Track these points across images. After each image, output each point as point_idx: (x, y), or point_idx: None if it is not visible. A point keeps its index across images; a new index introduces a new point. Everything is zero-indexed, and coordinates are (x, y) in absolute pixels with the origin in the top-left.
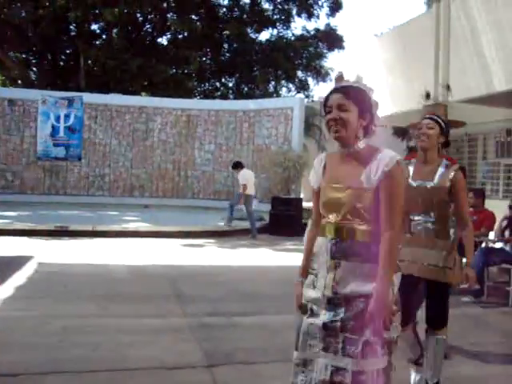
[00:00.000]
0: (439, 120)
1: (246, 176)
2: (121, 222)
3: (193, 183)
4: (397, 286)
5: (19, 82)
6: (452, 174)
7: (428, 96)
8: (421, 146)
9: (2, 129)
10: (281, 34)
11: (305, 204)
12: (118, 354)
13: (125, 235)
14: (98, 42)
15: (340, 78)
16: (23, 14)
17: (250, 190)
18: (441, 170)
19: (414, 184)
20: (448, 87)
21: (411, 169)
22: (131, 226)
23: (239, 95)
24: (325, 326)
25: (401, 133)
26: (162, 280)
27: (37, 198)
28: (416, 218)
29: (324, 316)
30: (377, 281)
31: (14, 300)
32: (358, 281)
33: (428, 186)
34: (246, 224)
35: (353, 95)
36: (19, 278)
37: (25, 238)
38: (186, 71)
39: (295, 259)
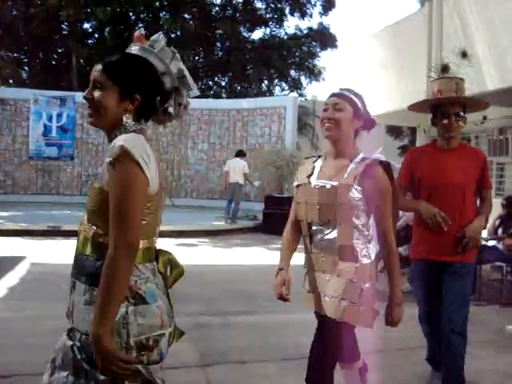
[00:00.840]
0: (353, 97)
1: (231, 164)
2: None
3: (186, 182)
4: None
5: (11, 81)
6: (361, 169)
7: (446, 69)
8: (326, 136)
9: None
10: (274, 33)
11: None
12: None
13: None
14: (90, 41)
15: (139, 37)
16: (15, 13)
17: (233, 178)
18: (352, 165)
19: (313, 184)
20: (464, 54)
21: (317, 165)
22: None
23: (232, 94)
24: None
25: (394, 131)
26: None
27: (29, 197)
28: (314, 228)
29: None
30: None
31: (7, 300)
32: None
33: (327, 187)
34: (239, 223)
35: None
36: (12, 278)
37: (18, 239)
38: None
39: None
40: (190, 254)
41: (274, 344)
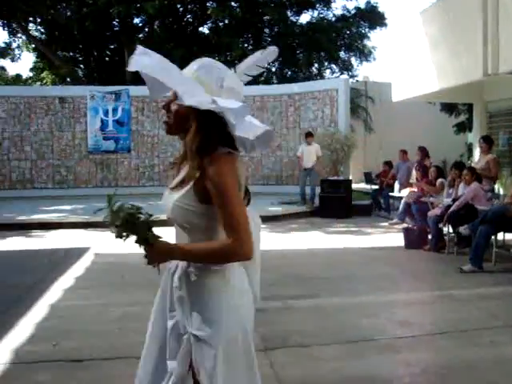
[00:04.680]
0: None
1: (304, 149)
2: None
3: None
4: None
5: (68, 79)
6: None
7: None
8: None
9: (55, 126)
10: (321, 16)
11: (354, 185)
12: None
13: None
14: (140, 36)
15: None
16: (69, 14)
17: (307, 163)
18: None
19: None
20: None
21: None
22: None
23: (283, 79)
24: None
25: (449, 109)
26: None
27: (90, 190)
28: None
29: None
30: None
31: (74, 290)
32: None
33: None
34: (296, 208)
35: None
36: (78, 268)
37: (81, 231)
38: (228, 58)
39: (346, 241)
40: None
41: (335, 327)
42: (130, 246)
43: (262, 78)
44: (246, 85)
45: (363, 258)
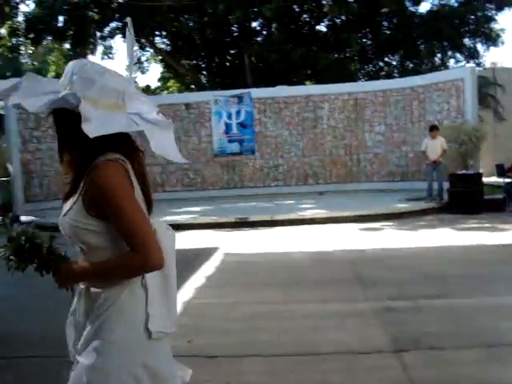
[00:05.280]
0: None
1: (428, 143)
2: (297, 210)
3: (366, 166)
4: None
5: (192, 86)
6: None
7: None
8: None
9: (182, 131)
10: (442, 2)
11: (485, 179)
12: (304, 339)
13: (302, 223)
14: (259, 39)
15: None
16: (191, 24)
17: (432, 157)
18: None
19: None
20: None
21: None
22: (308, 214)
23: (405, 72)
24: None
25: None
26: (342, 265)
27: (217, 192)
28: None
29: None
30: None
31: (205, 288)
32: None
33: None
34: (424, 204)
35: None
36: (208, 267)
37: (210, 231)
38: (347, 55)
39: (479, 238)
40: (375, 238)
41: (471, 329)
42: (258, 246)
43: (384, 73)
44: (366, 81)
45: (498, 256)
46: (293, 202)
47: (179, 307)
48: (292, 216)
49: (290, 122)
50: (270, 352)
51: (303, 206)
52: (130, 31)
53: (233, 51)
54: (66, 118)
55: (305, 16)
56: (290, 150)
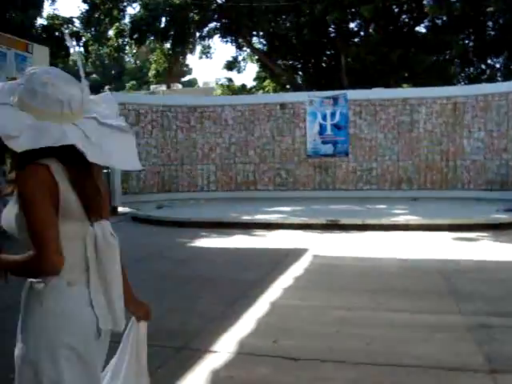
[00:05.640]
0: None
1: None
2: (389, 216)
3: (462, 173)
4: None
5: (288, 86)
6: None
7: None
8: None
9: (276, 131)
10: None
11: None
12: (392, 349)
13: (394, 228)
14: (356, 40)
15: None
16: (288, 25)
17: None
18: None
19: None
20: None
21: None
22: (400, 219)
23: (509, 75)
24: None
25: None
26: (434, 275)
27: (308, 193)
28: None
29: None
30: None
31: (293, 290)
32: None
33: None
34: None
35: None
36: (297, 269)
37: (299, 232)
38: (447, 57)
39: None
40: (470, 248)
41: None
42: (347, 250)
43: (485, 76)
44: (466, 84)
45: None
46: (385, 206)
47: (266, 307)
48: (384, 221)
49: (386, 125)
50: (355, 360)
51: (395, 211)
52: (69, 44)
53: (329, 52)
54: None
55: (404, 16)
56: (385, 153)
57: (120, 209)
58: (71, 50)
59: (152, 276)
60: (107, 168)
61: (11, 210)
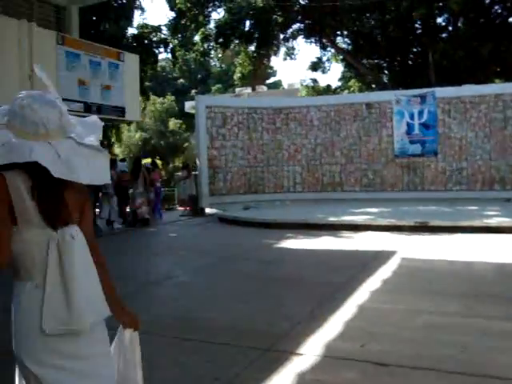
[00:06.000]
0: None
1: None
2: (481, 217)
3: None
4: None
5: (373, 86)
6: None
7: None
8: None
9: (362, 131)
10: None
11: None
12: (487, 359)
13: (486, 231)
14: (444, 35)
15: None
16: (372, 23)
17: None
18: None
19: None
20: None
21: None
22: (492, 221)
23: None
24: None
25: None
26: None
27: (396, 194)
28: None
29: None
30: None
31: (381, 292)
32: None
33: None
34: None
35: None
36: (385, 271)
37: (387, 233)
38: None
39: None
40: None
41: None
42: (437, 253)
43: None
44: None
45: None
46: (476, 208)
47: (354, 310)
48: (475, 223)
49: (477, 123)
50: (447, 368)
51: (487, 212)
52: (39, 75)
53: (416, 49)
54: None
55: (496, 7)
56: (476, 152)
57: (207, 210)
58: (44, 80)
59: (239, 276)
60: (196, 170)
61: None
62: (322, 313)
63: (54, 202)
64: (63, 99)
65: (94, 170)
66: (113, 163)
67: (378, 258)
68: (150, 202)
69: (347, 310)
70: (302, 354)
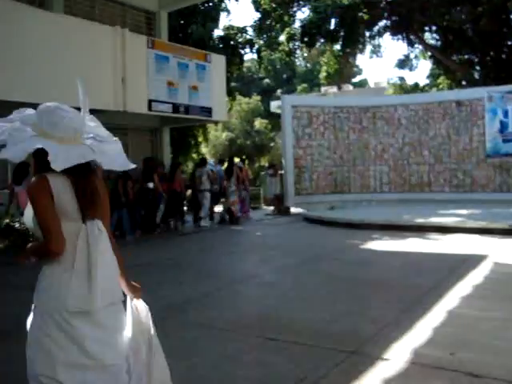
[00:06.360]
0: None
1: None
2: None
3: None
4: None
5: (463, 83)
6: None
7: None
8: None
9: (452, 130)
10: None
11: None
12: None
13: None
14: None
15: None
16: (463, 17)
17: None
18: None
19: None
20: None
21: None
22: None
23: None
24: None
25: None
26: None
27: (487, 195)
28: None
29: None
30: None
31: (471, 299)
32: None
33: None
34: None
35: None
36: (475, 276)
37: (477, 236)
38: None
39: None
40: None
41: None
42: None
43: None
44: None
45: None
46: None
47: (442, 315)
48: None
49: None
50: None
51: None
52: (81, 90)
53: (510, 42)
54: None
55: None
56: None
57: (292, 209)
58: (80, 96)
59: (324, 277)
60: (280, 170)
61: (29, 211)
62: (409, 317)
63: (92, 198)
64: (153, 100)
65: (116, 158)
66: (203, 163)
67: (467, 262)
68: (243, 199)
69: (435, 315)
70: (387, 359)
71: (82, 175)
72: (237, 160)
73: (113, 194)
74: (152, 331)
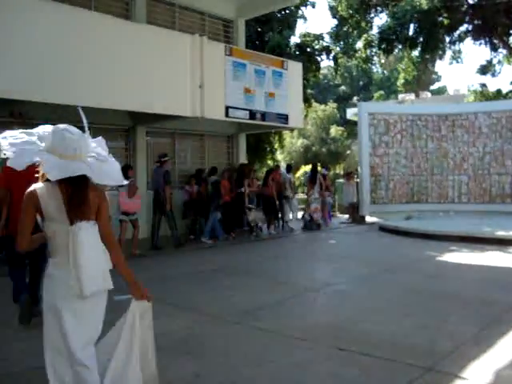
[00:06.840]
0: None
1: None
2: None
3: None
4: None
5: None
6: None
7: None
8: None
9: None
10: None
11: None
12: None
13: None
14: None
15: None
16: None
17: None
18: None
19: None
20: None
21: None
22: None
23: None
24: None
25: None
26: None
27: None
28: None
29: None
30: None
31: None
32: None
33: None
34: None
35: None
36: None
37: None
38: None
39: None
40: None
41: None
42: None
43: None
44: None
45: None
46: None
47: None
48: None
49: None
50: None
51: None
52: (83, 117)
53: None
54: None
55: None
56: None
57: (368, 218)
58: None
59: (399, 288)
60: (356, 178)
61: None
62: (489, 335)
63: (79, 204)
64: (230, 107)
65: (113, 175)
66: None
67: None
68: (325, 207)
69: None
70: (465, 379)
71: (75, 185)
72: (320, 168)
73: (211, 197)
74: (147, 333)
